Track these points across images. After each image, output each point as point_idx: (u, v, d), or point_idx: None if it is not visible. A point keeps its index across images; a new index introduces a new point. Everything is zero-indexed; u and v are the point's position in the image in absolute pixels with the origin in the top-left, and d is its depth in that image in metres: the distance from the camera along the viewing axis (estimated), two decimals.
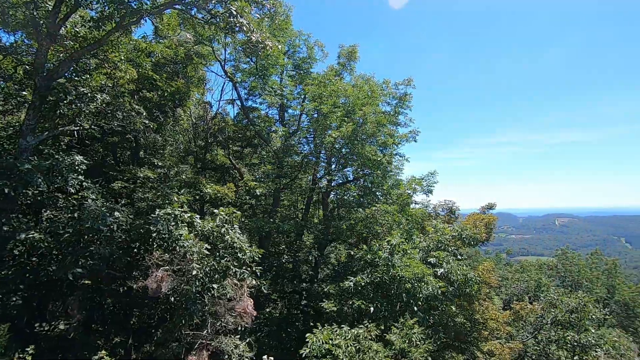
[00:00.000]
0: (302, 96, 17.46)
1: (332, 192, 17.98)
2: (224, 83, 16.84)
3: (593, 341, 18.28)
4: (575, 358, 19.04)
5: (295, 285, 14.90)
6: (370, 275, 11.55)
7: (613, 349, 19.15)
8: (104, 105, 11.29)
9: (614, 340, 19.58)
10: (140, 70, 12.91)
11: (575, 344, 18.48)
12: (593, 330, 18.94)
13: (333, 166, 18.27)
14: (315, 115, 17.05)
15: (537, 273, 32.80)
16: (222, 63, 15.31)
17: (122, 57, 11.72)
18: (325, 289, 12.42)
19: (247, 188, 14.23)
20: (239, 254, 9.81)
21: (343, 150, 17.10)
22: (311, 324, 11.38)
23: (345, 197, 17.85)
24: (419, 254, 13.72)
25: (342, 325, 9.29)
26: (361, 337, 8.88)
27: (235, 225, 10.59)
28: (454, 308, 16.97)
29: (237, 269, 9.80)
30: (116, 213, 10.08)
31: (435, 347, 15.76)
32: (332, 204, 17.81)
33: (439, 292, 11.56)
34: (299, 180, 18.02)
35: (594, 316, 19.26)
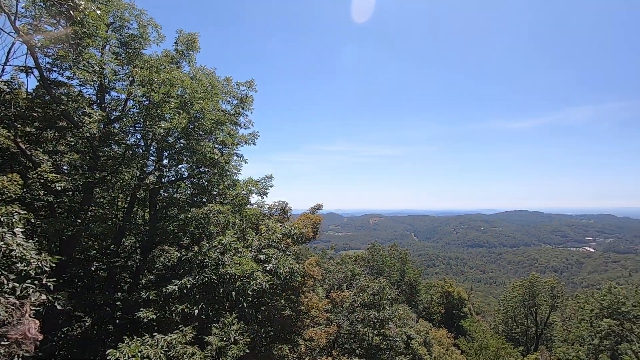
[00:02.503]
0: (130, 79, 15.21)
1: (162, 190, 16.33)
2: (13, 43, 12.84)
3: (388, 316, 22.76)
4: (375, 332, 23.35)
5: (109, 296, 12.74)
6: (197, 277, 11.01)
7: (399, 319, 24.42)
8: None
9: (401, 313, 25.03)
10: None
11: (375, 320, 22.62)
12: (388, 308, 23.58)
13: (165, 161, 16.66)
14: (146, 103, 15.16)
15: (353, 264, 38.48)
16: (12, 17, 11.67)
17: None
18: (144, 296, 11.10)
19: (42, 181, 11.25)
20: (18, 265, 7.66)
21: (177, 144, 15.81)
22: (126, 338, 9.98)
23: (176, 196, 16.55)
24: (251, 252, 14.02)
25: (155, 334, 8.50)
26: (174, 342, 8.33)
27: (17, 229, 8.24)
28: (283, 302, 18.09)
29: (15, 284, 7.63)
30: None
31: (264, 342, 16.42)
32: (162, 202, 16.16)
33: (267, 285, 12.05)
34: (121, 174, 15.61)
35: (389, 296, 23.99)
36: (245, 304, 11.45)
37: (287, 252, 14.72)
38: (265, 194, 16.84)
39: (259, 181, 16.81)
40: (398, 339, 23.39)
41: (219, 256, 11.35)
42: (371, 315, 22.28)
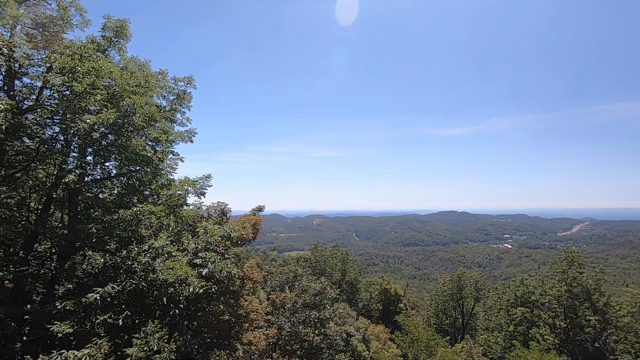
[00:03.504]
0: (47, 65, 13.58)
1: (84, 190, 14.80)
2: None
3: (328, 316, 23.18)
4: (316, 332, 23.61)
5: (14, 310, 11.19)
6: (123, 284, 10.14)
7: (339, 318, 24.99)
8: None
9: (341, 311, 25.63)
10: None
11: (316, 320, 22.89)
12: (329, 307, 24.02)
13: (89, 158, 15.13)
14: (67, 93, 13.65)
15: (295, 265, 38.51)
16: None
17: None
18: (60, 307, 9.93)
19: None
20: None
21: (104, 140, 14.46)
22: (40, 356, 8.85)
23: (102, 196, 15.12)
24: (187, 256, 13.32)
25: (63, 351, 7.66)
26: (86, 358, 7.60)
27: None
28: (221, 307, 17.45)
29: None
30: None
31: (200, 349, 15.70)
32: (84, 203, 14.63)
33: (201, 291, 11.52)
34: (34, 171, 13.85)
35: (330, 296, 24.41)
36: (177, 311, 10.79)
37: (226, 255, 14.24)
38: (203, 194, 16.09)
39: (196, 181, 16.00)
40: (338, 338, 23.90)
41: (150, 261, 10.58)
42: (312, 316, 22.50)
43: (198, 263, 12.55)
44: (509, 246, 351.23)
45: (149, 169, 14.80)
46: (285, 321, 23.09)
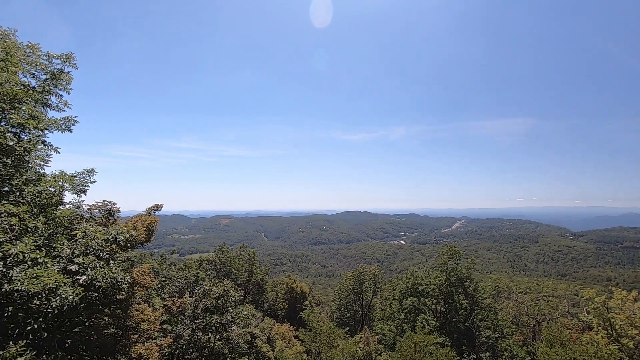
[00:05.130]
0: None
1: None
2: None
3: (231, 319, 22.40)
4: (217, 336, 22.59)
5: None
6: None
7: (243, 320, 24.37)
8: None
9: (245, 313, 25.02)
10: None
11: (218, 325, 21.90)
12: (232, 310, 23.22)
13: None
14: None
15: (197, 268, 36.35)
16: None
17: None
18: None
19: None
20: None
21: None
22: None
23: None
24: (60, 262, 11.36)
25: None
26: None
27: None
28: (106, 319, 15.40)
29: None
30: None
31: None
32: None
33: (77, 300, 9.95)
34: None
35: (233, 298, 23.62)
36: (43, 327, 9.08)
37: (112, 260, 12.58)
38: (84, 191, 13.84)
39: (75, 176, 13.69)
40: (241, 341, 23.27)
41: (3, 270, 8.68)
42: (214, 320, 21.46)
43: (74, 270, 10.79)
44: (403, 242, 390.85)
45: (9, 161, 12.22)
46: (184, 328, 21.54)
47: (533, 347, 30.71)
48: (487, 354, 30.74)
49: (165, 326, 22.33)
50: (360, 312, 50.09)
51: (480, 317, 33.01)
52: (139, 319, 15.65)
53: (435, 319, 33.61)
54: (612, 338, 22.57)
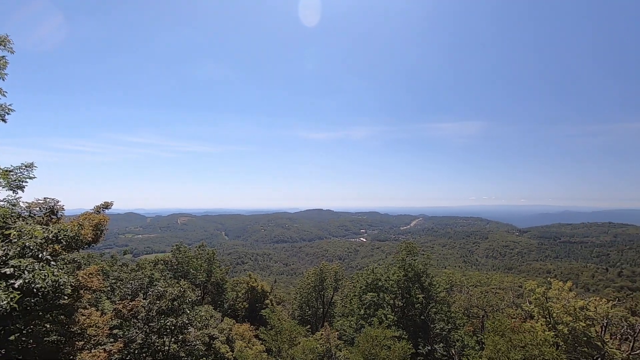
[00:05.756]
0: None
1: None
2: None
3: (187, 321, 21.62)
4: (173, 339, 21.72)
5: None
6: None
7: (200, 322, 23.64)
8: None
9: (202, 315, 24.29)
10: None
11: (173, 327, 21.05)
12: (189, 312, 22.41)
13: None
14: None
15: (151, 269, 34.71)
16: None
17: None
18: None
19: None
20: None
21: None
22: None
23: None
24: None
25: None
26: None
27: None
28: (48, 326, 14.27)
29: None
30: None
31: None
32: None
33: (12, 305, 9.07)
34: None
35: (190, 299, 22.81)
36: None
37: (53, 262, 11.63)
38: (21, 187, 12.61)
39: (10, 171, 12.44)
40: (198, 343, 22.55)
41: None
42: (168, 323, 20.60)
43: (8, 273, 9.83)
44: (364, 240, 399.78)
45: None
46: (137, 332, 20.46)
47: (482, 337, 32.68)
48: (441, 344, 32.29)
49: (115, 331, 21.08)
50: (321, 309, 50.51)
51: (434, 310, 34.56)
52: (86, 325, 14.63)
53: (393, 314, 34.69)
54: (550, 325, 24.59)
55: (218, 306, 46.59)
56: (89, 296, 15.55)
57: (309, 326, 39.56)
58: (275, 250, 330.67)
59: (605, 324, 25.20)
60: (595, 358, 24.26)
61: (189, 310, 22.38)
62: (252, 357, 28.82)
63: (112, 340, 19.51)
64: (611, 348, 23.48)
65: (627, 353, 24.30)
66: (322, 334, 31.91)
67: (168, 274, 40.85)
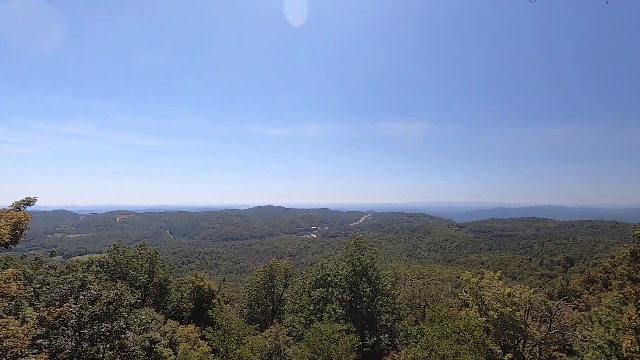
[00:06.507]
0: None
1: None
2: None
3: (124, 325, 20.17)
4: (108, 346, 20.15)
5: None
6: None
7: (140, 325, 22.21)
8: None
9: (142, 318, 22.82)
10: None
11: (108, 333, 19.53)
12: (126, 316, 20.91)
13: None
14: None
15: (84, 271, 31.87)
16: None
17: None
18: None
19: None
20: None
21: None
22: None
23: None
24: None
25: None
26: None
27: None
28: None
29: None
30: None
31: None
32: None
33: None
34: None
35: (128, 302, 21.28)
36: None
37: None
38: None
39: None
40: (137, 348, 21.17)
41: None
42: (103, 329, 19.07)
43: None
44: (315, 236, 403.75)
45: None
46: (66, 341, 18.65)
47: (422, 326, 34.72)
48: (386, 335, 33.70)
49: (40, 341, 19.04)
50: (271, 307, 50.10)
51: (381, 302, 35.94)
52: (2, 335, 13.00)
53: (341, 308, 35.48)
54: (482, 312, 26.76)
55: (161, 308, 44.22)
56: (6, 304, 13.83)
57: (258, 324, 39.11)
58: (224, 248, 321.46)
59: (527, 308, 28.03)
60: (519, 339, 26.91)
61: (126, 313, 20.90)
62: (197, 359, 27.77)
63: (35, 351, 17.62)
64: (532, 329, 26.18)
65: (545, 333, 27.27)
66: (271, 331, 31.67)
67: (104, 276, 37.77)
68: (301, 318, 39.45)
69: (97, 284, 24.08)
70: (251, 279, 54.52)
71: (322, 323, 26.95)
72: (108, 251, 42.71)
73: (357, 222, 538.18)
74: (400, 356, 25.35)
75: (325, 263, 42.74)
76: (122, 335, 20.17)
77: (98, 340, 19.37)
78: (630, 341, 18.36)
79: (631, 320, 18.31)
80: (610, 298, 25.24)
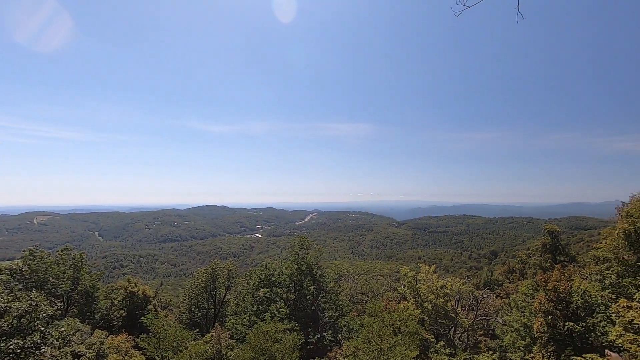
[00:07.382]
0: None
1: None
2: None
3: (39, 340, 18.01)
4: None
5: None
6: None
7: (60, 339, 19.97)
8: None
9: (62, 330, 20.55)
10: None
11: (19, 351, 17.27)
12: (43, 329, 18.69)
13: None
14: None
15: None
16: None
17: None
18: None
19: None
20: None
21: None
22: None
23: None
24: None
25: None
26: None
27: None
28: None
29: None
30: None
31: None
32: None
33: None
34: None
35: (45, 313, 19.03)
36: None
37: None
38: None
39: None
40: None
41: None
42: (12, 346, 16.80)
43: None
44: (260, 236, 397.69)
45: None
46: None
47: (362, 320, 35.94)
48: (330, 331, 34.25)
49: None
50: (212, 310, 48.28)
51: (324, 300, 36.44)
52: None
53: (286, 307, 35.31)
54: (418, 304, 28.39)
55: (87, 318, 40.27)
56: None
57: (198, 329, 37.43)
58: (162, 251, 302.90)
59: (458, 298, 30.36)
60: (450, 327, 29.02)
61: (43, 326, 18.66)
62: None
63: None
64: (461, 318, 28.41)
65: (472, 320, 29.77)
66: (212, 336, 30.48)
67: (16, 285, 33.34)
68: (244, 320, 38.52)
69: (7, 295, 21.16)
70: (191, 281, 52.02)
71: (266, 323, 26.58)
72: (22, 257, 37.82)
73: (303, 221, 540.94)
74: (342, 351, 25.93)
75: (269, 263, 42.25)
76: (37, 352, 17.95)
77: (7, 359, 17.02)
78: (539, 323, 20.76)
79: (541, 305, 20.73)
80: (525, 286, 28.39)
